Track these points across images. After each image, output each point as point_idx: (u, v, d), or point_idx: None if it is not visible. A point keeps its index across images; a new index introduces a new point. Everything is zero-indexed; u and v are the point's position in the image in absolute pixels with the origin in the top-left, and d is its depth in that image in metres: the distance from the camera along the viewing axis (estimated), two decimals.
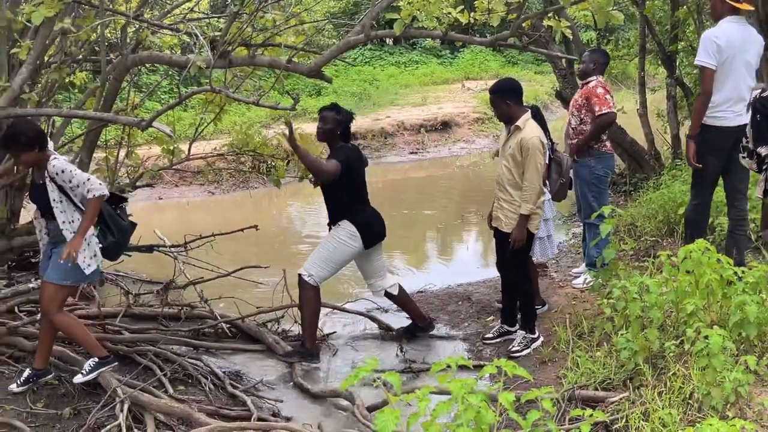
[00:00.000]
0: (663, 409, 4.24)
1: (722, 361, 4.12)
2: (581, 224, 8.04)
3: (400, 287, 6.89)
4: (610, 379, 5.07)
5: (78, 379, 5.37)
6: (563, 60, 10.48)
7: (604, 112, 7.08)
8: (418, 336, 6.92)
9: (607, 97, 7.14)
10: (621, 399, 4.69)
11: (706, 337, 4.19)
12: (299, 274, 6.42)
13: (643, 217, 8.44)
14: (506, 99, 6.14)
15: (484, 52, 27.13)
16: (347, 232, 6.45)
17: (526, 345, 6.38)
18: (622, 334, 5.02)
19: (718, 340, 4.12)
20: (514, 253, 6.24)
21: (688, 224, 6.46)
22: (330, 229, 6.61)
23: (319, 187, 6.66)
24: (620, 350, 4.95)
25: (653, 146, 11.21)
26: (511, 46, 5.45)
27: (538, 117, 6.94)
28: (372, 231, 6.58)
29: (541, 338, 6.45)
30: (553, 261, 8.49)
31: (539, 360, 6.10)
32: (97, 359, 5.40)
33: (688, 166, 9.05)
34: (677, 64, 11.12)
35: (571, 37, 8.45)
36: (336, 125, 6.52)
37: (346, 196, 6.52)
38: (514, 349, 6.38)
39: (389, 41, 27.27)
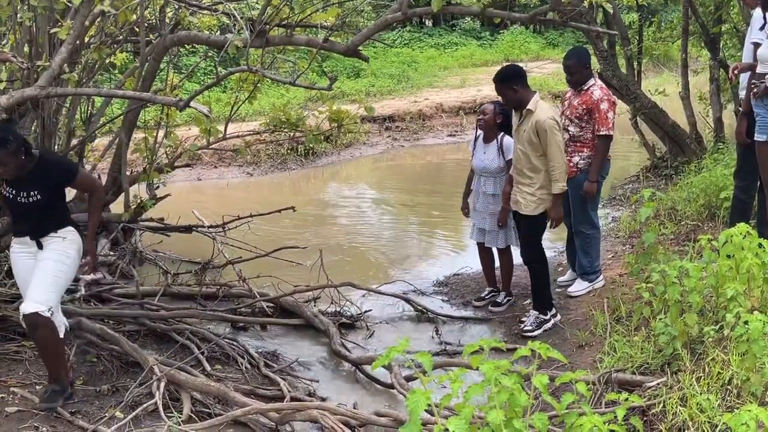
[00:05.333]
0: (701, 394, 4.18)
1: (762, 346, 4.04)
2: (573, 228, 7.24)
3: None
4: (647, 363, 5.01)
5: None
6: (604, 41, 10.34)
7: (603, 133, 6.61)
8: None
9: (609, 114, 6.62)
10: (658, 384, 4.63)
11: (746, 323, 4.12)
12: (35, 313, 4.75)
13: (684, 201, 8.32)
14: (513, 85, 6.15)
15: (524, 34, 26.88)
16: (77, 246, 5.07)
17: (538, 325, 6.47)
18: (660, 319, 4.97)
19: (758, 325, 4.05)
20: (525, 233, 6.43)
21: (736, 205, 6.47)
22: (38, 243, 4.98)
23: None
24: (658, 335, 4.89)
25: (695, 129, 11.04)
26: (549, 21, 5.36)
27: (504, 114, 6.86)
28: None
29: (552, 321, 6.53)
30: None
31: (576, 344, 6.06)
32: None
33: (731, 150, 8.98)
34: (721, 46, 10.92)
35: (611, 11, 8.29)
36: (16, 156, 4.80)
37: (64, 201, 5.25)
38: (526, 328, 6.47)
39: (428, 23, 27.14)
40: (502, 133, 6.85)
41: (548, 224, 6.41)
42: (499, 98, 6.43)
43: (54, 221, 5.02)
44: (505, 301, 7.17)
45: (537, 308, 6.56)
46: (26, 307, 4.80)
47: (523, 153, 6.21)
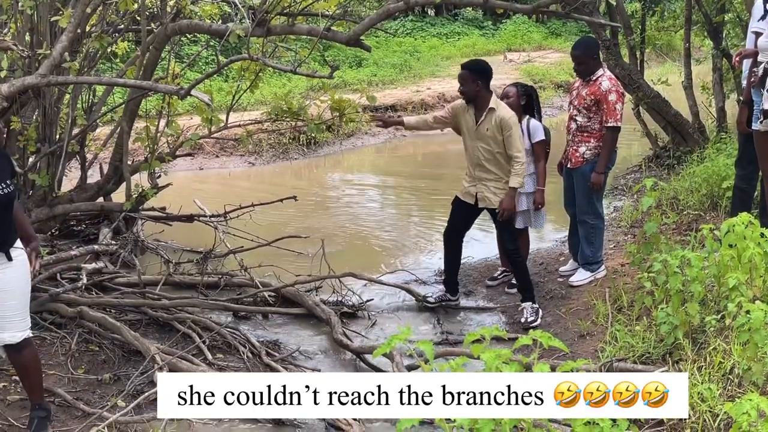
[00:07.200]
0: (702, 384, 4.19)
1: (764, 336, 4.04)
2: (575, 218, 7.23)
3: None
4: (649, 353, 5.02)
5: None
6: (607, 31, 10.30)
7: (610, 125, 6.56)
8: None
9: (618, 106, 6.57)
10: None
11: (747, 312, 4.13)
12: (25, 339, 4.46)
13: (686, 190, 8.30)
14: (478, 79, 6.29)
15: (526, 24, 26.80)
16: (27, 261, 4.50)
17: (536, 313, 6.54)
18: (662, 308, 4.97)
19: (760, 315, 4.05)
20: (503, 225, 6.52)
21: (738, 194, 6.47)
22: (8, 256, 4.33)
23: None
24: (660, 324, 4.90)
25: (698, 119, 11.00)
26: (552, 13, 5.35)
27: (534, 98, 7.04)
28: None
29: (540, 310, 6.63)
30: None
31: (577, 333, 6.06)
32: None
33: (733, 139, 8.96)
34: (724, 35, 10.87)
35: (615, 3, 8.25)
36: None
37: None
38: (530, 319, 6.48)
39: (431, 12, 27.07)
40: (527, 116, 6.87)
41: (498, 214, 6.42)
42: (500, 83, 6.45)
43: (11, 234, 4.40)
44: None
45: (528, 299, 6.59)
46: (14, 338, 4.40)
47: (485, 149, 6.35)
